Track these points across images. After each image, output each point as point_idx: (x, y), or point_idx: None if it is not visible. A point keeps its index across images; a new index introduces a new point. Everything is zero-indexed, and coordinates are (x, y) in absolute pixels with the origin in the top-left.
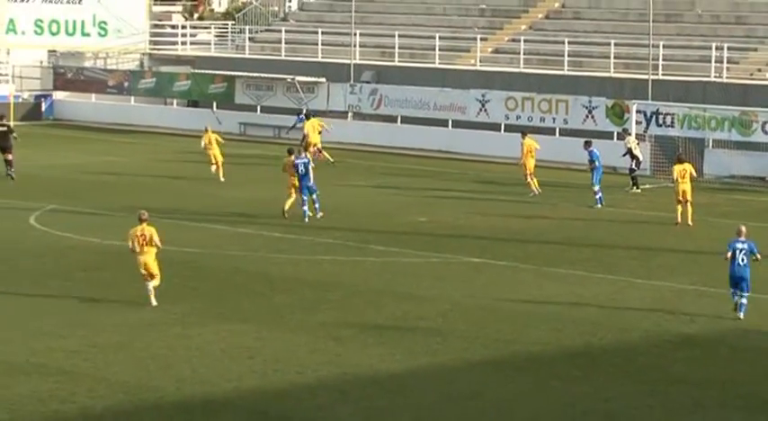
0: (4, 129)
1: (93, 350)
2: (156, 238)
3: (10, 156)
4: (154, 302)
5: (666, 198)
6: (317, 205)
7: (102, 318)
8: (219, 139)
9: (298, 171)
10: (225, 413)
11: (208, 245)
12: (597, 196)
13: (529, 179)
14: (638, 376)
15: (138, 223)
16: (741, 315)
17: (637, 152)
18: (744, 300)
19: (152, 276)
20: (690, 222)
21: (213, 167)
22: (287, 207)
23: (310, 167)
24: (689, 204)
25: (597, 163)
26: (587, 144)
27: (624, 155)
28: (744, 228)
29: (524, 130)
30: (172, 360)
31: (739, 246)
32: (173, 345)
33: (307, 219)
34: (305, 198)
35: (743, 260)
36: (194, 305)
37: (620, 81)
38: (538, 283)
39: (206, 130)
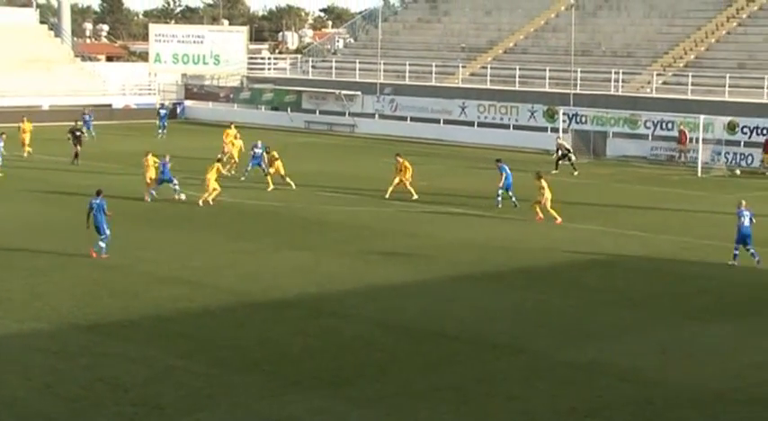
0: (79, 134)
1: (211, 268)
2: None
3: (78, 149)
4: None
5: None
6: None
7: (218, 247)
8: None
9: None
10: (292, 309)
11: (286, 200)
12: (499, 198)
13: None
14: (557, 283)
15: None
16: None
17: (568, 145)
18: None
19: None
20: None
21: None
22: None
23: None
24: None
25: (506, 174)
26: (498, 161)
27: (558, 152)
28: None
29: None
30: (260, 274)
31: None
32: (261, 264)
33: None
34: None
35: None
36: (275, 239)
37: (551, 94)
38: (493, 225)
39: (230, 126)
